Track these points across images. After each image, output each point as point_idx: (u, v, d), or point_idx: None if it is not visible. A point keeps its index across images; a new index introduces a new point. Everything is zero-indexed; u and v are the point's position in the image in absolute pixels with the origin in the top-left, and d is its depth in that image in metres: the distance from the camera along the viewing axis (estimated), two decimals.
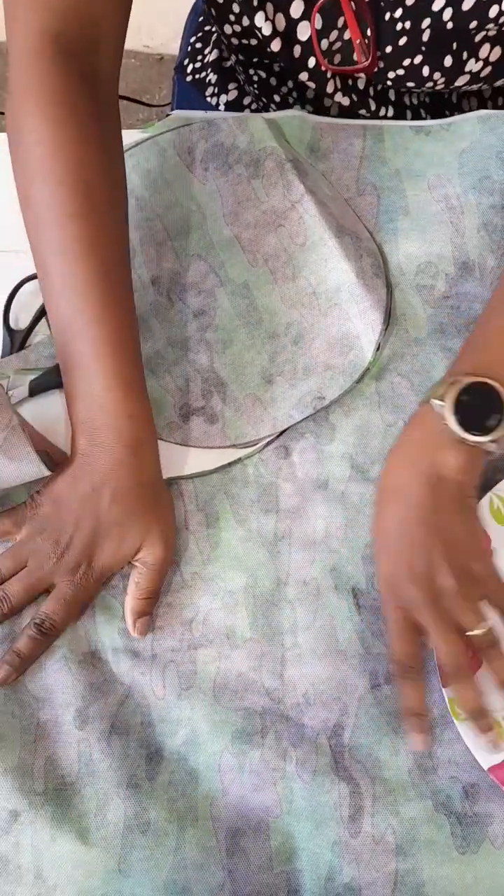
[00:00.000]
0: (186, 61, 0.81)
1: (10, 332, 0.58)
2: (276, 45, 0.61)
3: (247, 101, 0.76)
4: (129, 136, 0.63)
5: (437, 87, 0.62)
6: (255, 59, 0.67)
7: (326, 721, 0.50)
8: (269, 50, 0.62)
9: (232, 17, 0.62)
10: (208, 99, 0.79)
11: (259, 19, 0.60)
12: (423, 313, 0.58)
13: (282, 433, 0.56)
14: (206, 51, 0.79)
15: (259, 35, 0.61)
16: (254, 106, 0.75)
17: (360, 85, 0.66)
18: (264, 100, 0.72)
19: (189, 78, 0.81)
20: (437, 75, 0.60)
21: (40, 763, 0.49)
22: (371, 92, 0.67)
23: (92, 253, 0.50)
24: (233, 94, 0.77)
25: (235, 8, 0.61)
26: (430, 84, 0.61)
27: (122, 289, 0.52)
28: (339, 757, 0.49)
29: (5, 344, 0.58)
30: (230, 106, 0.77)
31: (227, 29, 0.64)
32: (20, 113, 0.51)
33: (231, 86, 0.77)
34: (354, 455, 0.55)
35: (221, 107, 0.77)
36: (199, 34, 0.81)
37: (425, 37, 0.58)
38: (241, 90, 0.76)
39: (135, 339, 0.52)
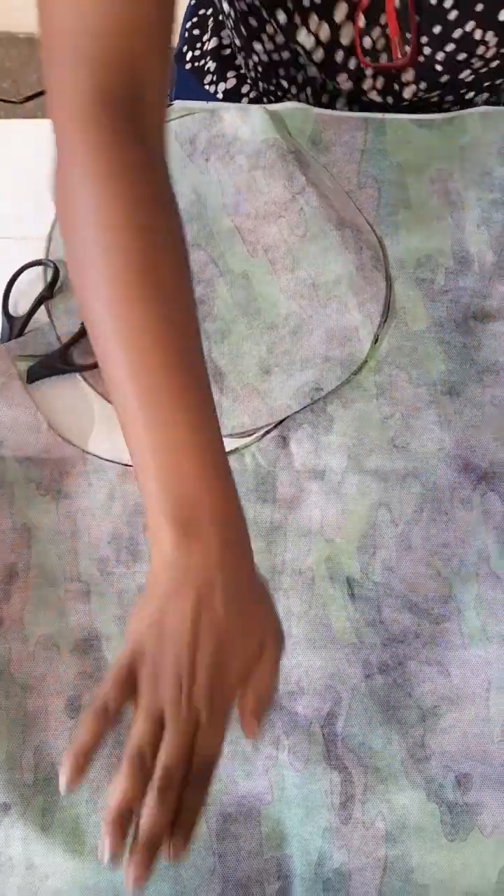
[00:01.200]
0: (185, 48, 0.82)
1: (8, 319, 0.58)
2: (318, 56, 0.62)
3: (245, 89, 0.77)
4: None
5: (489, 54, 0.60)
6: (280, 71, 0.68)
7: (319, 710, 0.50)
8: (309, 62, 0.62)
9: (265, 38, 0.63)
10: (206, 87, 0.79)
11: (302, 36, 0.60)
12: (422, 306, 0.59)
13: (280, 423, 0.57)
14: (205, 38, 0.80)
15: (301, 51, 0.61)
16: (252, 94, 0.76)
17: (407, 95, 0.65)
18: (263, 85, 0.72)
19: (188, 66, 0.81)
20: (489, 35, 0.59)
21: (29, 754, 0.49)
22: (407, 94, 0.66)
23: (166, 339, 0.43)
24: (231, 83, 0.77)
25: (271, 30, 0.61)
26: (481, 49, 0.60)
27: (201, 374, 0.45)
28: (331, 746, 0.50)
29: (4, 330, 0.59)
30: (228, 94, 0.77)
31: (258, 47, 0.64)
32: (71, 183, 0.46)
33: (230, 74, 0.77)
34: (352, 446, 0.56)
35: (219, 94, 0.78)
36: (195, 19, 0.82)
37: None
38: (240, 78, 0.77)
39: (217, 427, 0.45)
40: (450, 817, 0.49)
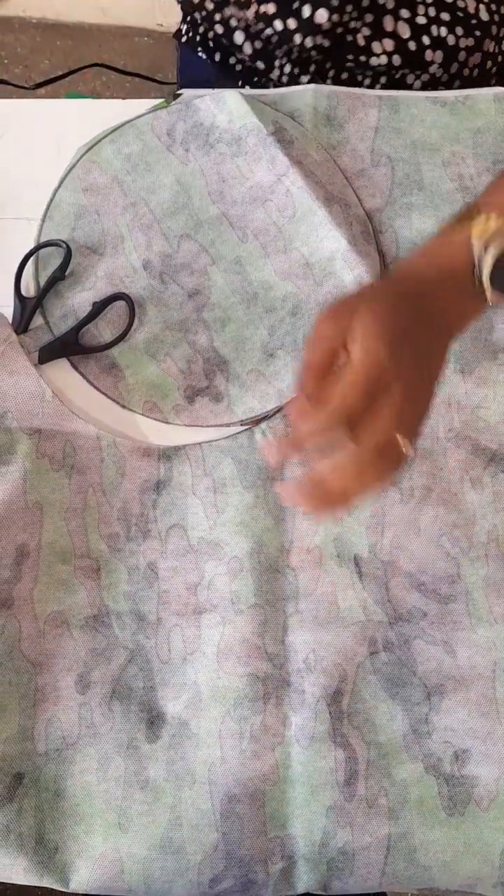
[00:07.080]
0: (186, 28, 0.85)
1: (20, 300, 0.61)
2: None
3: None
4: (141, 106, 0.67)
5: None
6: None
7: (326, 688, 0.53)
8: None
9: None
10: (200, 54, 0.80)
11: None
12: None
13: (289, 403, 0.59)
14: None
15: None
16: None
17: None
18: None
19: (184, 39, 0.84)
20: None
21: (41, 727, 0.52)
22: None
23: None
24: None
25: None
26: None
27: None
28: (337, 724, 0.52)
29: (16, 311, 0.61)
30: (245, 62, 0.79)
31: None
32: None
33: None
34: None
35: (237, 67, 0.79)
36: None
37: None
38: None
39: None
40: (447, 789, 0.51)
